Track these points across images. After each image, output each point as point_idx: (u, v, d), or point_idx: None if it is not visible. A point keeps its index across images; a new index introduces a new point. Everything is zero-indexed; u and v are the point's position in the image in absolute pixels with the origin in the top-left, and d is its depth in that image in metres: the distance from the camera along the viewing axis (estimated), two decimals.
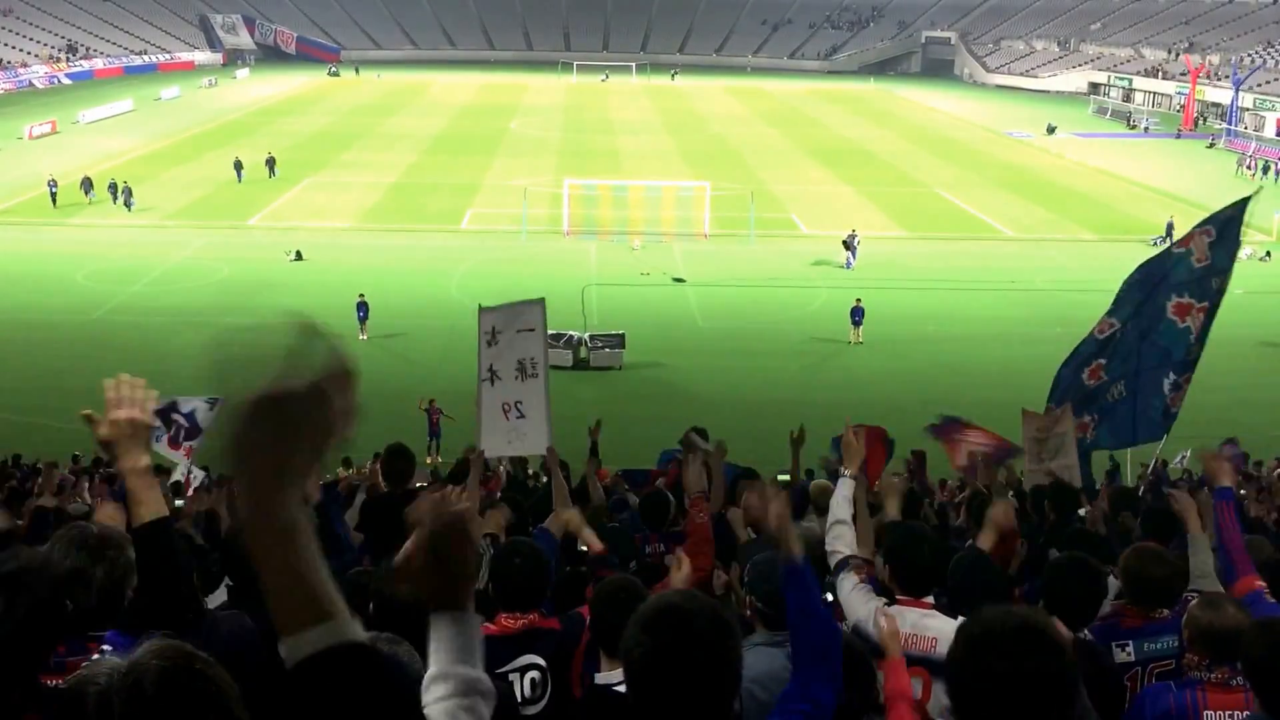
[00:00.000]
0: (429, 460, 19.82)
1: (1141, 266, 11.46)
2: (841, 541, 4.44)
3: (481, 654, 1.97)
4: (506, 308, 7.82)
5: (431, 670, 1.94)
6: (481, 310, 7.76)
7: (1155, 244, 36.47)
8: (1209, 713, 3.78)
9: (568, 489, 6.38)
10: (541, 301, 7.82)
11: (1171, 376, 10.50)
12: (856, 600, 4.14)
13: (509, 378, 7.51)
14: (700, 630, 2.17)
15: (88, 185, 40.07)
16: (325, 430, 1.50)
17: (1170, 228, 37.12)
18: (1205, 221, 10.98)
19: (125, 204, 39.15)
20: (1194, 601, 4.01)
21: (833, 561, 4.42)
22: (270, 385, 1.47)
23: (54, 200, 39.06)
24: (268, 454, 1.47)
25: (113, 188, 39.98)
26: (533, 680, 3.93)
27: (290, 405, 1.47)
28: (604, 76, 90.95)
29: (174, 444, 14.57)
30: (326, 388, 1.49)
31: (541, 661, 3.95)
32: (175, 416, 13.70)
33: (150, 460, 2.84)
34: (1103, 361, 11.27)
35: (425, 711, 1.88)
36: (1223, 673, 3.81)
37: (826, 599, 4.35)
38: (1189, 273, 10.50)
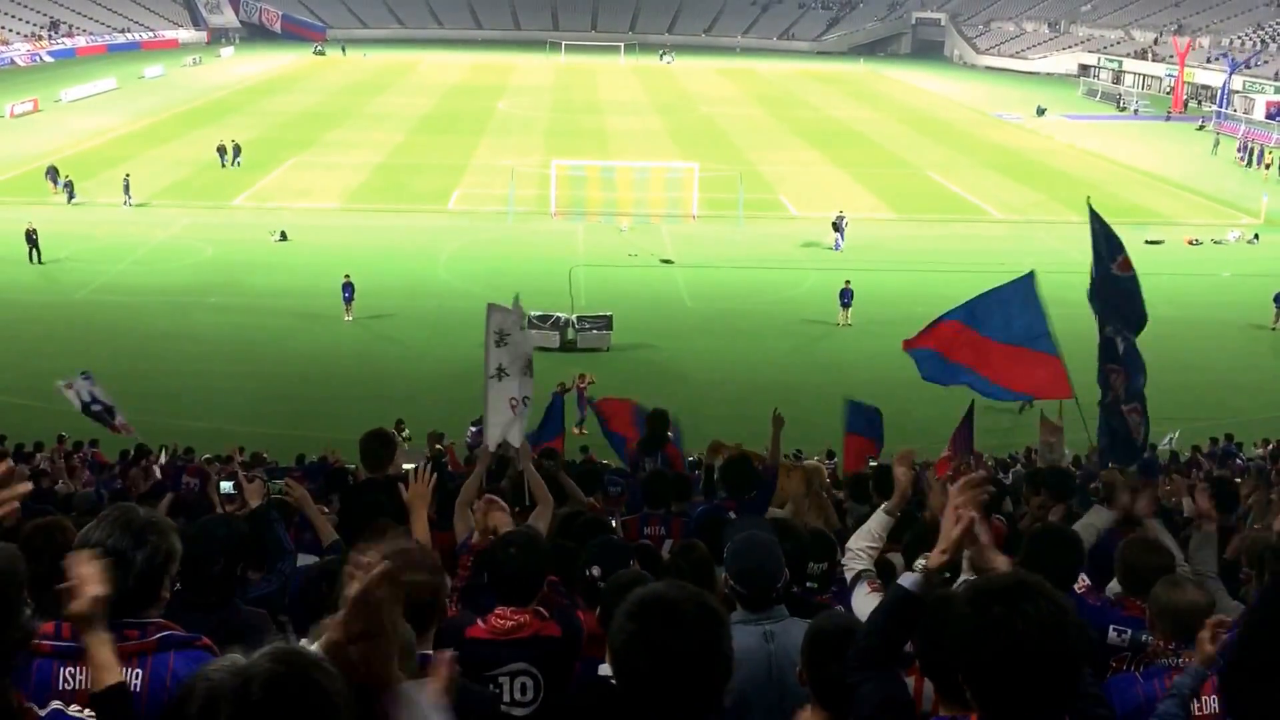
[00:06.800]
0: (576, 431, 19.19)
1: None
2: (858, 561, 4.45)
3: None
4: (508, 310, 7.78)
5: None
6: (490, 308, 7.68)
7: None
8: None
9: (542, 480, 6.36)
10: (516, 300, 7.94)
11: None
12: (868, 607, 4.09)
13: (516, 373, 7.58)
14: (686, 618, 2.19)
15: (54, 174, 38.36)
16: None
17: None
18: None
19: (68, 196, 37.44)
20: (1157, 582, 3.94)
21: (849, 576, 4.43)
22: None
23: None
24: None
25: (61, 179, 38.01)
26: (523, 685, 3.82)
27: None
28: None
29: (116, 428, 14.57)
30: None
31: (534, 669, 3.83)
32: (95, 407, 13.83)
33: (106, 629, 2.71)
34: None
35: None
36: (1190, 658, 3.69)
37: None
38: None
